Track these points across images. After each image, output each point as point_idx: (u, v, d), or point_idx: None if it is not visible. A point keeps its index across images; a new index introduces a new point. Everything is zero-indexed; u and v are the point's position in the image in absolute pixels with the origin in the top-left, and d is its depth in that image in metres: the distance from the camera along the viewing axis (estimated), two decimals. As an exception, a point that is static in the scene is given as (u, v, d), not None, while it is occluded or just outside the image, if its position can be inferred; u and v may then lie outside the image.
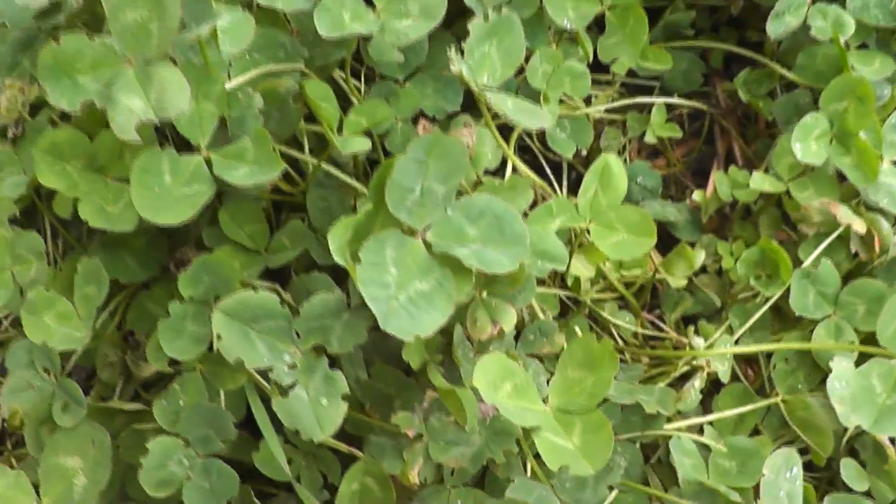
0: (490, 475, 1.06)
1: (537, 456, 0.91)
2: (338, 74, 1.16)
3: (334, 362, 0.95)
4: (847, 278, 1.18)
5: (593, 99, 1.32)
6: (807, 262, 1.18)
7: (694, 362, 1.18)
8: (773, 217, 1.27)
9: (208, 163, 0.93)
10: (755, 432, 1.19)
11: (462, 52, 0.97)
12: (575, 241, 1.12)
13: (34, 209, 1.19)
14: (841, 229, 1.17)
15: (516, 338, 1.09)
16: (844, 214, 1.14)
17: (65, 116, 1.03)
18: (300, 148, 1.12)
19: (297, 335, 0.94)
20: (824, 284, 1.17)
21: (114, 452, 1.05)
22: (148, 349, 1.04)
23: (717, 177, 1.28)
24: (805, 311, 1.17)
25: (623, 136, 1.36)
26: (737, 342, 1.20)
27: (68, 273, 1.08)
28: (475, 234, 0.86)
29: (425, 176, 0.86)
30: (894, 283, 1.17)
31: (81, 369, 1.22)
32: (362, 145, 1.02)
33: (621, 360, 1.20)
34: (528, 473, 1.02)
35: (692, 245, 1.25)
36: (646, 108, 1.36)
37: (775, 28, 1.20)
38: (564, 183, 1.32)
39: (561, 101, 1.23)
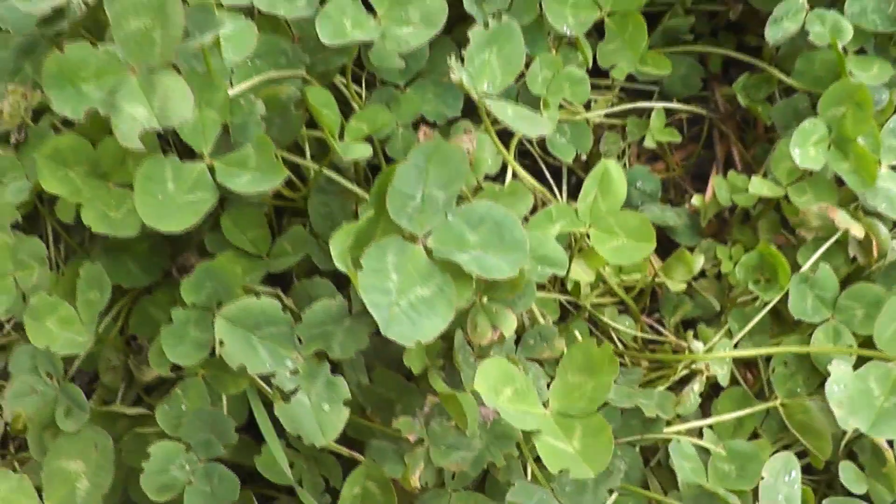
0: (491, 479, 1.06)
1: (538, 459, 0.91)
2: (339, 80, 1.16)
3: (336, 367, 0.96)
4: (845, 282, 1.18)
5: (593, 104, 1.32)
6: (805, 267, 1.18)
7: (693, 366, 1.18)
8: (771, 221, 1.28)
9: (211, 170, 0.94)
10: (754, 436, 1.20)
11: (462, 60, 0.97)
12: (575, 245, 1.13)
13: (36, 214, 1.19)
14: (839, 234, 1.17)
15: (517, 342, 1.09)
16: (843, 219, 1.14)
17: (67, 122, 1.03)
18: (302, 154, 1.12)
19: (299, 341, 0.95)
20: (823, 288, 1.18)
21: (116, 456, 1.06)
22: (151, 354, 1.04)
23: (716, 181, 1.28)
24: (804, 315, 1.17)
25: (622, 140, 1.36)
26: (736, 346, 1.21)
27: (70, 278, 1.08)
28: (475, 240, 0.86)
29: (426, 182, 0.86)
30: (892, 287, 1.17)
31: (84, 373, 1.22)
32: (363, 152, 1.02)
33: (621, 364, 1.21)
34: (529, 477, 1.02)
35: (691, 249, 1.25)
36: (645, 113, 1.37)
37: (774, 33, 1.21)
38: (564, 187, 1.33)
39: (561, 107, 1.24)
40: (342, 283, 1.04)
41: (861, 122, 1.14)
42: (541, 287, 1.17)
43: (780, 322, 1.25)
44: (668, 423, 1.15)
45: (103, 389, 1.19)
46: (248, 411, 1.04)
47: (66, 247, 1.21)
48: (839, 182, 1.18)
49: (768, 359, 1.22)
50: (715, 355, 1.18)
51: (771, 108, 1.31)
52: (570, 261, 1.10)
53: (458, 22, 1.13)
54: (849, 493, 1.12)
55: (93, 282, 1.05)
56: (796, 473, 1.04)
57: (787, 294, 1.17)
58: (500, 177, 1.17)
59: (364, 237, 0.86)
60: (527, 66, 1.15)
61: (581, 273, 1.12)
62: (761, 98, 1.33)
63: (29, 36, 1.13)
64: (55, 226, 1.19)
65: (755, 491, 1.05)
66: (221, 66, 0.95)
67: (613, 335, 1.25)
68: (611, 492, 1.05)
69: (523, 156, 1.33)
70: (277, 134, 1.03)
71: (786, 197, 1.21)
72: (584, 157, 1.31)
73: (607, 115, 1.35)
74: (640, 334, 1.25)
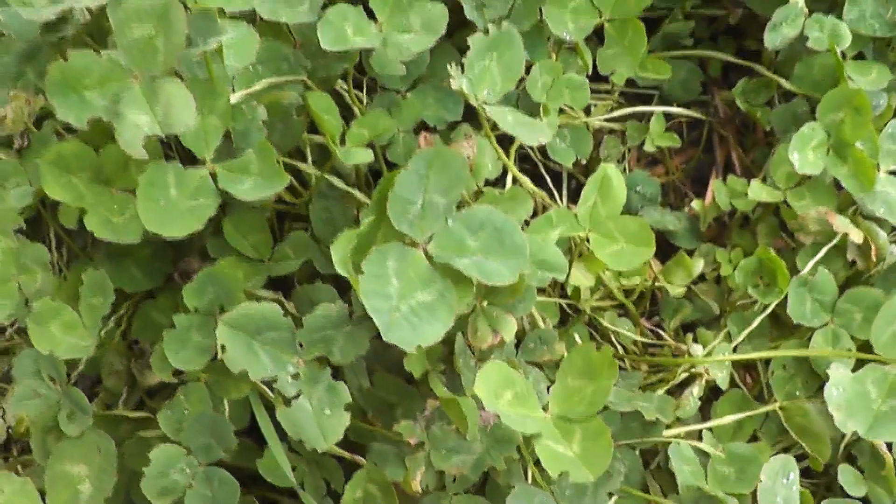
0: (491, 482, 1.07)
1: (538, 463, 0.92)
2: (340, 85, 1.17)
3: (337, 372, 0.96)
4: (844, 286, 1.19)
5: (593, 108, 1.33)
6: (804, 271, 1.19)
7: (693, 369, 1.19)
8: (771, 225, 1.28)
9: (213, 176, 0.94)
10: (753, 438, 1.20)
11: (462, 66, 0.98)
12: (575, 250, 1.13)
13: (39, 218, 1.19)
14: (838, 238, 1.18)
15: (517, 346, 1.10)
16: (841, 224, 1.15)
17: (70, 128, 1.04)
18: (303, 159, 1.13)
19: (301, 346, 0.95)
20: (822, 292, 1.18)
21: (119, 460, 1.06)
22: (153, 359, 1.05)
23: (715, 185, 1.29)
24: (803, 319, 1.18)
25: (622, 145, 1.37)
26: (735, 349, 1.21)
27: (73, 282, 1.09)
28: (476, 245, 0.87)
29: (426, 189, 0.87)
30: (891, 290, 1.18)
31: (86, 377, 1.22)
32: (365, 157, 1.03)
33: (621, 368, 1.21)
34: (529, 480, 1.03)
35: (691, 253, 1.26)
36: (645, 118, 1.37)
37: (773, 39, 1.21)
38: (564, 192, 1.34)
39: (561, 111, 1.24)
40: (343, 287, 1.05)
41: (859, 127, 1.15)
42: (541, 291, 1.18)
43: (780, 325, 1.25)
44: (668, 427, 1.16)
45: (106, 393, 1.19)
46: (250, 415, 1.05)
47: (68, 251, 1.22)
48: (838, 186, 1.19)
49: (768, 362, 1.22)
50: (714, 359, 1.19)
51: (770, 112, 1.31)
52: (570, 265, 1.11)
53: (458, 27, 1.14)
54: (848, 496, 1.13)
55: (96, 287, 1.05)
56: (794, 476, 1.04)
57: (786, 298, 1.18)
58: (500, 181, 1.17)
59: (365, 243, 0.87)
60: (527, 71, 1.15)
61: (581, 277, 1.12)
62: (760, 102, 1.34)
63: (31, 42, 1.12)
64: (57, 230, 1.19)
65: (754, 493, 1.05)
66: (223, 72, 0.96)
67: (613, 339, 1.26)
68: (611, 494, 1.05)
69: (523, 160, 1.34)
70: (279, 139, 1.04)
71: (785, 201, 1.21)
72: (584, 162, 1.31)
73: (607, 120, 1.35)
74: (639, 338, 1.25)
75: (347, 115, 1.13)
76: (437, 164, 0.87)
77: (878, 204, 1.16)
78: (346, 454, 1.04)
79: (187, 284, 1.00)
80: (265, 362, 0.94)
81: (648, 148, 1.36)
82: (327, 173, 1.11)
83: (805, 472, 1.16)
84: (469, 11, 1.13)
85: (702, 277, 1.27)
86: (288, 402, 0.93)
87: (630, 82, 1.34)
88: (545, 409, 0.95)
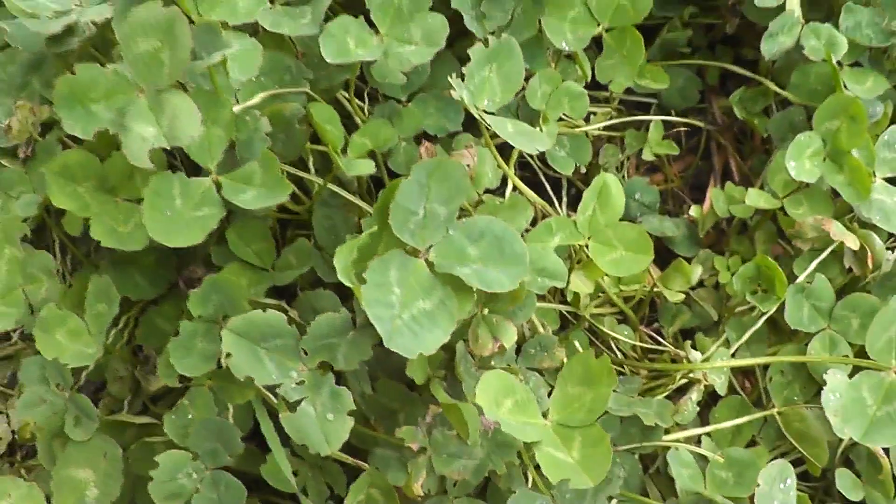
0: (492, 486, 1.08)
1: (538, 467, 0.92)
2: (342, 95, 1.18)
3: (340, 378, 0.97)
4: (841, 293, 1.20)
5: (592, 117, 1.34)
6: (802, 277, 1.20)
7: (691, 375, 1.20)
8: (768, 232, 1.29)
9: (218, 186, 0.95)
10: (752, 443, 1.21)
11: (463, 77, 0.99)
12: (574, 257, 1.14)
13: (43, 225, 1.20)
14: (835, 245, 1.19)
15: (517, 352, 1.11)
16: (838, 231, 1.15)
17: (75, 137, 1.05)
18: (306, 168, 1.14)
19: (304, 352, 0.96)
20: (819, 299, 1.19)
21: (124, 465, 1.07)
22: (159, 365, 1.06)
23: (713, 193, 1.30)
24: (800, 325, 1.19)
25: (621, 152, 1.38)
26: (733, 355, 1.22)
27: (78, 290, 1.10)
28: (476, 254, 0.88)
29: (427, 198, 0.87)
30: (887, 297, 1.18)
31: (91, 383, 1.23)
32: (367, 167, 1.04)
33: (620, 373, 1.22)
34: (530, 484, 1.04)
35: (689, 260, 1.27)
36: (643, 126, 1.38)
37: (769, 48, 1.22)
38: (564, 199, 1.35)
39: (560, 120, 1.25)
40: (346, 295, 1.05)
41: (855, 136, 1.15)
42: (541, 298, 1.18)
43: (777, 331, 1.26)
44: (667, 431, 1.17)
45: (110, 399, 1.20)
46: (254, 420, 1.06)
47: (72, 258, 1.22)
48: (835, 194, 1.20)
49: (766, 367, 1.23)
50: (713, 364, 1.19)
51: (767, 120, 1.32)
52: (570, 272, 1.12)
53: (458, 37, 1.14)
54: (845, 500, 1.14)
55: (101, 294, 1.06)
56: (791, 481, 1.05)
57: (783, 304, 1.19)
58: (500, 189, 1.18)
59: (367, 252, 0.88)
60: (526, 80, 1.16)
61: (580, 284, 1.13)
62: (758, 111, 1.34)
63: (37, 52, 1.13)
64: (62, 237, 1.20)
65: (752, 498, 1.06)
66: (227, 83, 0.96)
67: (613, 344, 1.27)
68: (610, 499, 1.06)
69: (523, 168, 1.34)
70: (282, 149, 1.05)
71: (782, 208, 1.22)
72: (583, 170, 1.32)
73: (606, 128, 1.36)
74: (638, 344, 1.26)
75: (349, 125, 1.14)
76: (438, 175, 0.88)
77: (874, 211, 1.17)
78: (349, 459, 1.06)
79: (192, 292, 1.00)
80: (270, 369, 0.95)
81: (647, 156, 1.37)
82: (329, 182, 1.12)
83: (803, 477, 1.17)
84: (469, 22, 1.14)
85: (700, 284, 1.28)
86: (292, 407, 0.94)
87: (628, 91, 1.35)
88: (545, 415, 0.96)
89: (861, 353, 1.14)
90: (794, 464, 1.09)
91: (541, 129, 1.19)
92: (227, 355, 0.94)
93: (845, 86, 1.22)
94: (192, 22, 0.85)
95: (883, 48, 1.25)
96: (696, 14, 1.39)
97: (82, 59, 0.95)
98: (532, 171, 1.34)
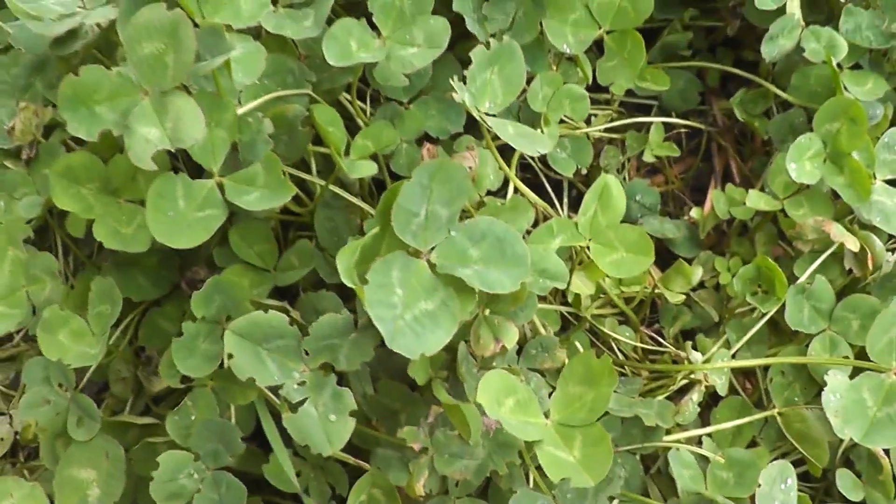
0: (493, 486, 1.08)
1: (539, 467, 0.92)
2: (344, 97, 1.18)
3: (342, 379, 0.97)
4: (841, 294, 1.20)
5: (593, 119, 1.34)
6: (802, 278, 1.20)
7: (692, 376, 1.20)
8: (769, 234, 1.29)
9: (221, 188, 0.96)
10: (752, 444, 1.21)
11: (464, 79, 0.99)
12: (575, 258, 1.15)
13: (45, 226, 1.21)
14: (835, 247, 1.19)
15: (518, 353, 1.11)
16: (838, 232, 1.16)
17: (78, 139, 1.05)
18: (308, 169, 1.14)
19: (306, 353, 0.96)
20: (819, 300, 1.19)
21: (127, 465, 1.07)
22: (161, 366, 1.06)
23: (714, 194, 1.30)
24: (800, 326, 1.19)
25: (622, 154, 1.38)
26: (734, 356, 1.22)
27: (81, 291, 1.10)
28: (478, 255, 0.88)
29: (429, 200, 0.88)
30: (887, 298, 1.19)
31: (93, 384, 1.23)
32: (369, 169, 1.04)
33: (621, 374, 1.23)
34: (531, 484, 1.04)
35: (690, 261, 1.27)
36: (644, 127, 1.39)
37: (769, 50, 1.22)
38: (565, 200, 1.35)
39: (561, 122, 1.25)
40: (348, 296, 1.05)
41: (856, 137, 1.16)
42: (542, 299, 1.19)
43: (778, 332, 1.26)
44: (668, 432, 1.17)
45: (113, 400, 1.20)
46: (256, 421, 1.06)
47: (75, 259, 1.23)
48: (835, 196, 1.20)
49: (766, 368, 1.24)
50: (713, 365, 1.20)
51: (768, 122, 1.32)
52: (571, 273, 1.12)
53: (460, 39, 1.14)
54: (846, 501, 1.14)
55: (104, 295, 1.06)
56: (792, 481, 1.05)
57: (784, 305, 1.19)
58: (502, 191, 1.19)
59: (370, 253, 0.88)
60: (528, 83, 1.16)
61: (581, 285, 1.13)
62: (758, 112, 1.35)
63: (40, 54, 1.14)
64: (65, 239, 1.21)
65: (753, 498, 1.06)
66: (230, 85, 0.97)
67: (614, 345, 1.27)
68: (611, 499, 1.07)
69: (524, 169, 1.35)
70: (285, 151, 1.05)
71: (783, 210, 1.22)
72: (584, 171, 1.32)
73: (607, 130, 1.36)
74: (639, 344, 1.26)
75: (351, 127, 1.14)
76: (440, 176, 0.88)
77: (874, 213, 1.17)
78: (351, 459, 1.06)
79: (195, 293, 1.01)
80: (272, 369, 0.95)
81: (648, 157, 1.37)
82: (331, 184, 1.12)
83: (803, 477, 1.18)
84: (471, 25, 1.14)
85: (701, 285, 1.28)
86: (294, 408, 0.94)
87: (629, 93, 1.35)
88: (546, 415, 0.96)
89: (861, 354, 1.14)
90: (795, 464, 1.09)
91: (542, 131, 1.19)
92: (230, 356, 0.94)
93: (845, 88, 1.22)
94: (195, 24, 0.86)
95: (883, 50, 1.25)
96: (697, 16, 1.40)
97: (85, 61, 0.96)
98: (533, 173, 1.35)
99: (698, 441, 1.18)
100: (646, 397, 1.18)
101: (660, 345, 1.27)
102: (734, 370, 1.24)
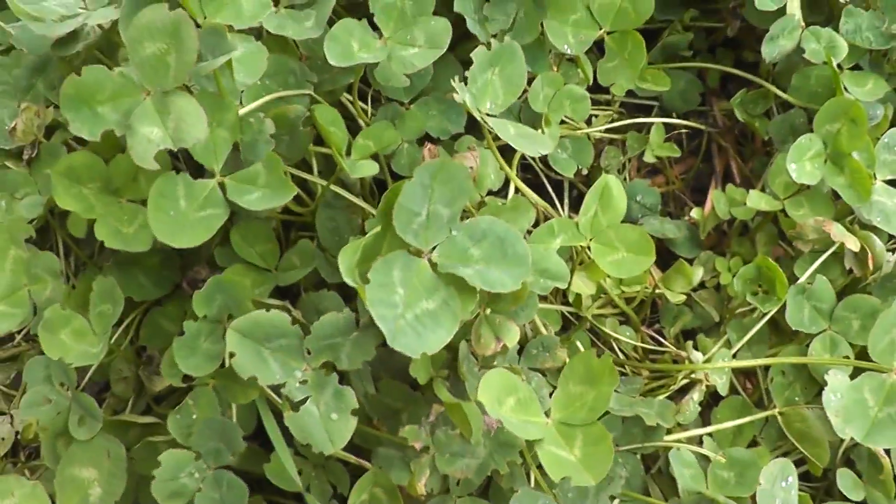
0: (494, 485, 1.08)
1: (540, 466, 0.92)
2: (345, 97, 1.18)
3: (343, 378, 0.97)
4: (842, 294, 1.20)
5: (593, 119, 1.35)
6: (802, 279, 1.20)
7: (693, 375, 1.20)
8: (769, 234, 1.29)
9: (222, 187, 0.96)
10: (753, 443, 1.21)
11: (465, 80, 0.99)
12: (576, 258, 1.15)
13: (47, 226, 1.21)
14: (835, 247, 1.19)
15: (519, 352, 1.11)
16: (839, 232, 1.16)
17: (79, 139, 1.06)
18: (309, 169, 1.14)
19: (308, 352, 0.96)
20: (819, 300, 1.19)
21: (128, 464, 1.07)
22: (163, 366, 1.06)
23: (714, 195, 1.30)
24: (801, 326, 1.19)
25: (623, 155, 1.38)
26: (735, 356, 1.22)
27: (83, 290, 1.10)
28: (479, 254, 0.88)
29: (431, 200, 0.88)
30: (888, 298, 1.19)
31: (95, 383, 1.23)
32: (370, 169, 1.04)
33: (622, 374, 1.23)
34: (532, 483, 1.04)
35: (691, 261, 1.27)
36: (645, 128, 1.39)
37: (770, 51, 1.23)
38: (566, 200, 1.35)
39: (562, 122, 1.26)
40: (349, 295, 1.06)
41: (856, 138, 1.16)
42: (543, 298, 1.19)
43: (778, 332, 1.26)
44: (669, 432, 1.17)
45: (114, 399, 1.21)
46: (257, 420, 1.06)
47: (76, 259, 1.23)
48: (835, 196, 1.20)
49: (767, 368, 1.24)
50: (714, 365, 1.20)
51: (768, 123, 1.33)
52: (572, 273, 1.12)
53: (461, 39, 1.15)
54: (846, 500, 1.14)
55: (106, 295, 1.07)
56: (793, 479, 1.05)
57: (784, 305, 1.19)
58: (502, 191, 1.19)
59: (371, 252, 0.88)
60: (528, 83, 1.16)
61: (582, 285, 1.14)
62: (759, 113, 1.35)
63: (42, 55, 1.14)
64: (66, 238, 1.21)
65: (754, 497, 1.06)
66: (232, 86, 0.97)
67: (614, 345, 1.27)
68: (612, 498, 1.07)
69: (525, 169, 1.35)
70: (286, 151, 1.05)
71: (783, 210, 1.22)
72: (585, 172, 1.33)
73: (608, 131, 1.37)
74: (640, 344, 1.27)
75: (353, 127, 1.14)
76: (441, 176, 0.88)
77: (874, 213, 1.17)
78: (352, 458, 1.06)
79: (197, 293, 1.01)
80: (274, 368, 0.95)
81: (648, 158, 1.37)
82: (333, 184, 1.12)
83: (804, 477, 1.18)
84: (472, 25, 1.14)
85: (702, 285, 1.29)
86: (295, 407, 0.94)
87: (630, 93, 1.35)
88: (547, 414, 0.96)
89: (861, 354, 1.14)
90: (796, 464, 1.09)
91: (543, 132, 1.19)
92: (231, 355, 0.94)
93: (846, 88, 1.22)
94: (197, 25, 0.86)
95: (883, 51, 1.26)
96: (697, 17, 1.40)
97: (87, 62, 0.96)
98: (534, 173, 1.35)
99: (699, 440, 1.18)
100: (646, 397, 1.19)
101: (660, 345, 1.27)
102: (735, 370, 1.24)
